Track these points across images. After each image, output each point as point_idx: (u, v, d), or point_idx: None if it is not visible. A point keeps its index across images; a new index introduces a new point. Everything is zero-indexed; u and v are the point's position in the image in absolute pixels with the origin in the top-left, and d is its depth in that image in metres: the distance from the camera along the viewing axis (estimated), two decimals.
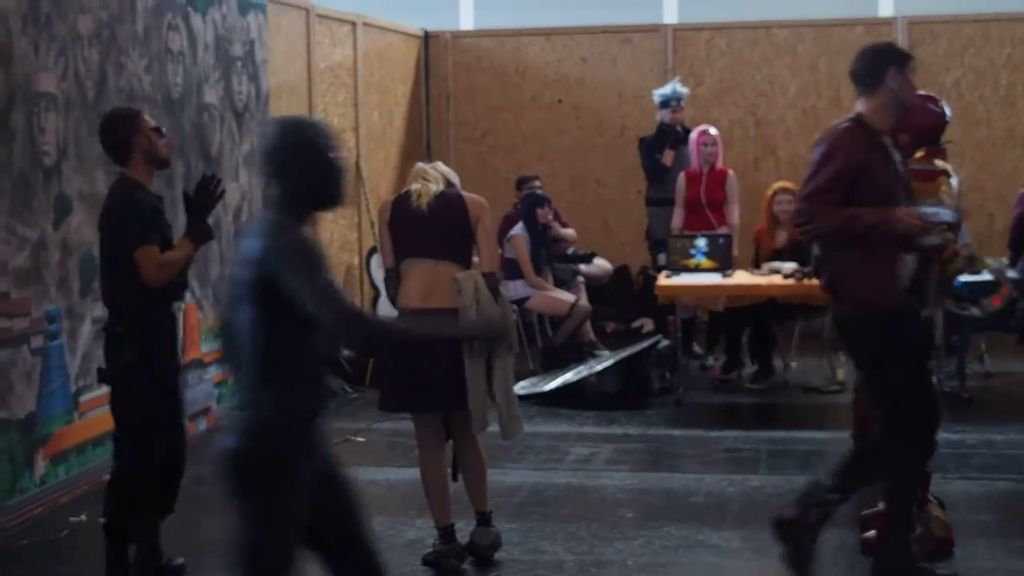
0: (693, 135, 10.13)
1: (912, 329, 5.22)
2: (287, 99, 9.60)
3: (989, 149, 11.70)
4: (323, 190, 3.78)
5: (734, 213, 10.08)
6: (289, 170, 3.72)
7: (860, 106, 5.26)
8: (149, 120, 5.57)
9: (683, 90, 10.39)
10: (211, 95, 8.46)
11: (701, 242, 9.31)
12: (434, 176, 5.78)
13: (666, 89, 10.40)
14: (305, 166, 3.71)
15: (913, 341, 5.21)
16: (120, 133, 5.45)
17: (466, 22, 13.33)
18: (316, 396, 3.76)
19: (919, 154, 5.73)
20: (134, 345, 5.37)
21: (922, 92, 5.76)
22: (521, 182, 11.03)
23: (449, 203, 5.72)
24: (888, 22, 12.04)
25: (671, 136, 10.27)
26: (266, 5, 9.24)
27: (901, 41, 11.64)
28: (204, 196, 5.58)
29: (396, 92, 12.00)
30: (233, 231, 8.58)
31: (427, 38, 12.58)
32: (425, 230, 5.68)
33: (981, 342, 9.63)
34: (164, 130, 5.64)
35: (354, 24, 10.97)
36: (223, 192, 5.69)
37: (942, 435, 7.74)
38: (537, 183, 10.94)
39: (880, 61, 5.25)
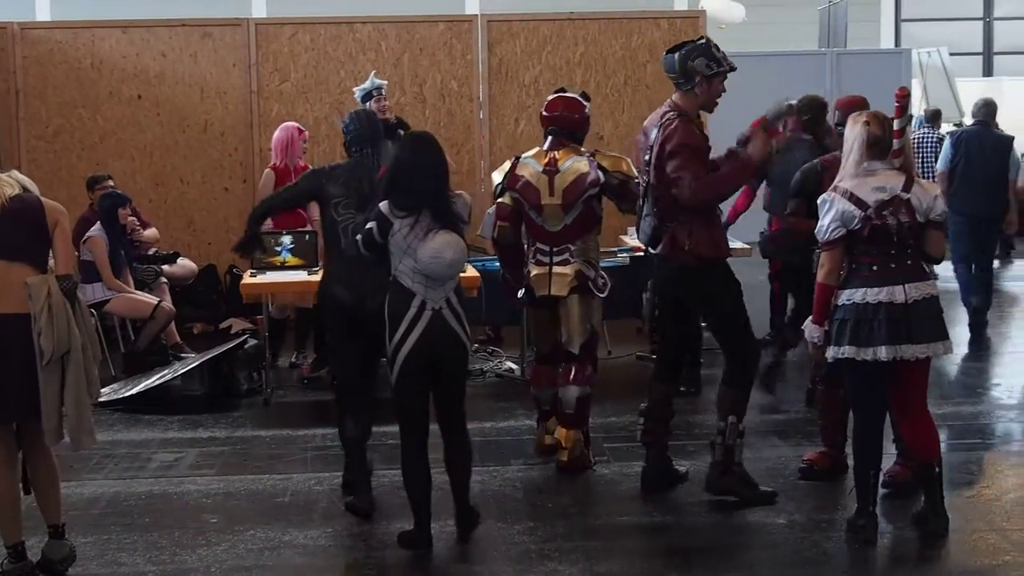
0: (285, 133, 9.99)
1: (731, 273, 6.38)
2: None
3: None
4: None
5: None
6: None
7: (676, 98, 6.24)
8: None
9: (381, 81, 10.20)
10: None
11: (286, 239, 9.19)
12: (8, 181, 5.59)
13: (364, 84, 10.17)
14: None
15: (736, 282, 6.36)
16: None
17: (43, 13, 12.82)
18: None
19: None
20: None
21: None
22: (93, 182, 10.61)
23: (26, 205, 5.54)
24: (469, 19, 12.26)
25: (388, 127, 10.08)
26: None
27: (482, 39, 11.91)
28: None
29: None
30: None
31: None
32: None
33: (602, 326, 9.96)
34: None
35: None
36: None
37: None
38: (110, 183, 10.55)
39: (692, 71, 6.17)
